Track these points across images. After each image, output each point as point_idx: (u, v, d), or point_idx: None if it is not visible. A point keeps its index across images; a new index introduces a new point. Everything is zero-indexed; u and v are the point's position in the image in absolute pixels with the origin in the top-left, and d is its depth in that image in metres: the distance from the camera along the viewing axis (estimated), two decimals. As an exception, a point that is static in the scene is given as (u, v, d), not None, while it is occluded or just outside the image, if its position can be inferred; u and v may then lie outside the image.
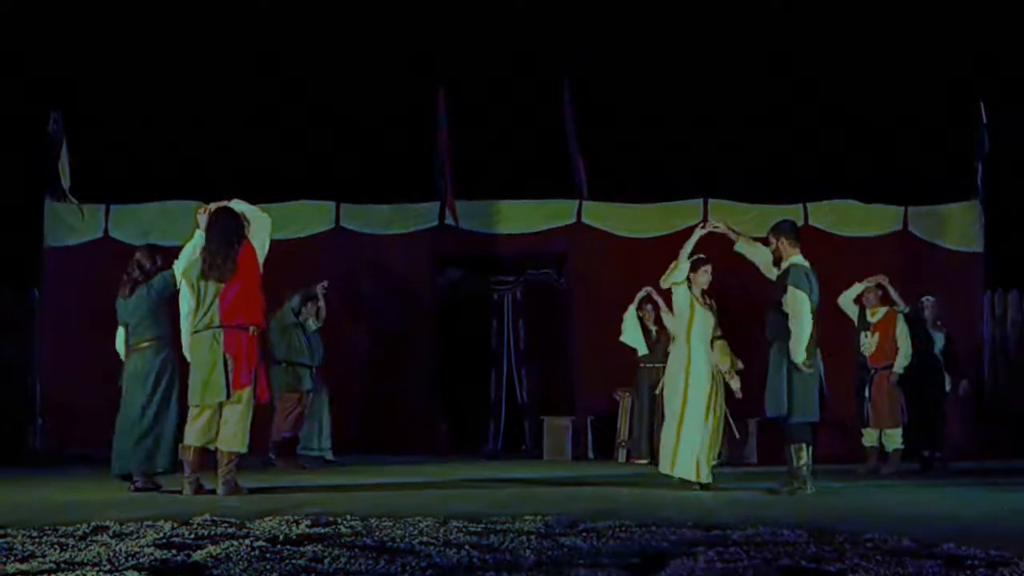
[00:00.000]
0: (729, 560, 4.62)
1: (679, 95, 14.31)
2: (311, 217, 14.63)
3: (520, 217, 14.72)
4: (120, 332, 9.12)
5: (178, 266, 8.75)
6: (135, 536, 5.25)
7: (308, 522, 5.75)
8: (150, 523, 5.69)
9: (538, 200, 14.74)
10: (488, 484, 9.76)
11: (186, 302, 8.60)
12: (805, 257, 9.02)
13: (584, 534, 5.38)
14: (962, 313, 14.18)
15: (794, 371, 8.69)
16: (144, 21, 14.08)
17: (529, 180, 14.65)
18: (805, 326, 8.63)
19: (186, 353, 8.65)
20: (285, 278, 13.17)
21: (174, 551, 4.76)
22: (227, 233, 8.48)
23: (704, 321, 9.54)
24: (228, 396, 8.31)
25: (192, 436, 8.42)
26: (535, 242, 14.69)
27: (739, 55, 14.16)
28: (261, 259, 8.57)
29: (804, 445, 8.81)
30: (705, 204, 14.51)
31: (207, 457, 8.58)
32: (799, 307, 8.65)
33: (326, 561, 4.52)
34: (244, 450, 8.48)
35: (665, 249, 14.30)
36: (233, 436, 8.39)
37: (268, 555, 4.69)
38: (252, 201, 14.26)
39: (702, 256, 9.65)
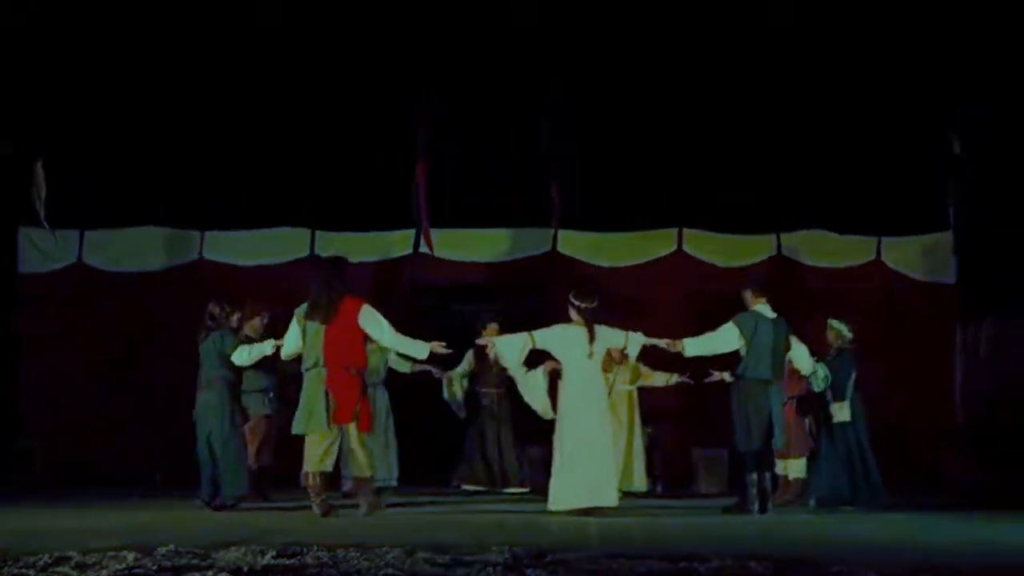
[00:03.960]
0: (695, 593, 4.60)
1: (654, 124, 14.34)
2: (286, 244, 14.61)
3: (496, 246, 14.74)
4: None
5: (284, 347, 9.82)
6: (97, 567, 5.20)
7: (274, 552, 5.69)
8: (113, 553, 5.62)
9: (514, 228, 14.76)
10: (457, 513, 9.74)
11: (293, 337, 9.56)
12: (774, 298, 10.32)
13: (551, 566, 5.34)
14: (935, 344, 14.27)
15: (746, 404, 9.93)
16: (117, 47, 14.01)
17: (505, 209, 14.64)
18: (707, 340, 10.06)
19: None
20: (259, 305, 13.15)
21: (136, 583, 4.73)
22: (328, 281, 9.44)
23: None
24: (327, 428, 9.21)
25: (310, 463, 9.28)
26: (511, 271, 14.70)
27: (713, 85, 14.19)
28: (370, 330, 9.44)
29: (749, 471, 9.93)
30: (680, 233, 14.60)
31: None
32: (722, 329, 10.07)
33: (289, 593, 4.48)
34: (370, 474, 9.54)
35: (640, 278, 14.46)
36: (357, 465, 9.48)
37: (231, 587, 4.66)
38: (226, 227, 14.42)
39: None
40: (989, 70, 13.93)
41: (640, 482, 12.15)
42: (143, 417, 13.63)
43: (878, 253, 14.57)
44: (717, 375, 10.57)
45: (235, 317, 10.80)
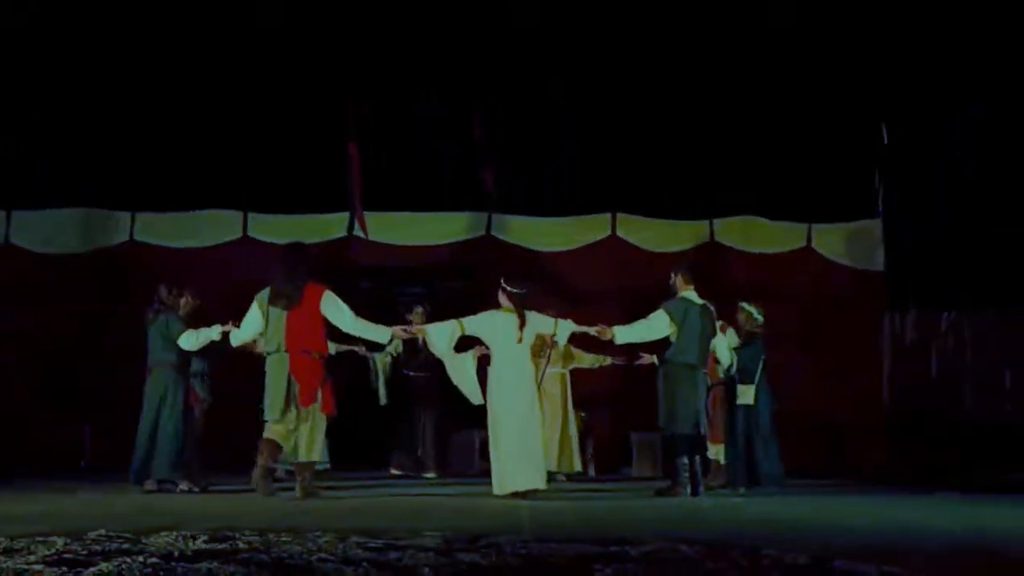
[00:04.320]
0: (626, 577, 4.63)
1: (587, 109, 14.40)
2: (218, 226, 14.50)
3: (430, 229, 14.71)
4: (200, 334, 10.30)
5: (235, 335, 9.97)
6: (25, 552, 5.12)
7: (205, 537, 5.66)
8: (42, 538, 5.56)
9: (448, 212, 14.74)
10: (390, 497, 9.75)
11: (251, 322, 9.63)
12: (703, 285, 10.38)
13: (483, 550, 5.36)
14: (862, 330, 14.47)
15: (675, 389, 9.99)
16: (43, 23, 13.80)
17: (439, 193, 14.63)
18: (640, 328, 10.04)
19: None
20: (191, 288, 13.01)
21: (65, 568, 4.66)
22: (292, 268, 9.55)
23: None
24: (283, 412, 9.34)
25: (270, 433, 9.40)
26: (444, 254, 14.69)
27: (646, 71, 14.26)
28: (332, 315, 9.55)
29: (680, 455, 10.00)
30: (613, 218, 14.68)
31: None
32: (653, 316, 10.04)
33: (220, 579, 4.45)
34: (316, 458, 9.55)
35: (573, 262, 14.52)
36: (306, 449, 9.44)
37: (161, 572, 4.61)
38: (158, 208, 14.25)
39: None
40: (916, 62, 14.12)
41: (578, 464, 12.25)
42: (73, 401, 13.47)
43: (808, 240, 14.74)
44: (647, 358, 10.69)
45: (182, 301, 10.78)
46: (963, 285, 14.33)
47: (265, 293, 9.57)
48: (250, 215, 14.48)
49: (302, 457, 9.46)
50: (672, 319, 10.03)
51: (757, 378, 10.87)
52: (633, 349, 10.90)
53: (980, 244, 14.18)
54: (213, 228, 14.48)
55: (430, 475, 12.89)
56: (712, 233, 14.69)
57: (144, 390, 10.40)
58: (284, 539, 5.68)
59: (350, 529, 6.14)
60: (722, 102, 14.23)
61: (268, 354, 9.53)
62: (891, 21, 13.85)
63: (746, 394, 10.85)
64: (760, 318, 11.04)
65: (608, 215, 14.68)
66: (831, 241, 14.75)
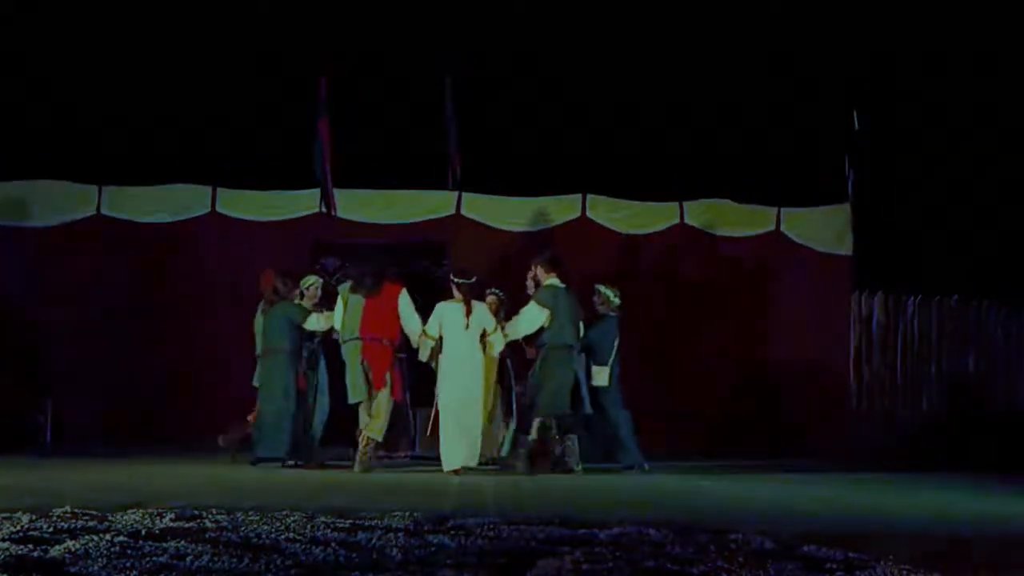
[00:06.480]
0: (595, 561, 4.62)
1: (560, 90, 14.39)
2: (186, 200, 14.36)
3: (399, 207, 14.64)
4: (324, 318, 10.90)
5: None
6: (-10, 529, 5.09)
7: (172, 515, 5.63)
8: (7, 515, 5.51)
9: (417, 191, 14.68)
10: (352, 475, 9.77)
11: (338, 312, 10.55)
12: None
13: (452, 532, 5.36)
14: (830, 314, 14.54)
15: (554, 371, 10.47)
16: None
17: (409, 171, 14.57)
18: (521, 324, 10.64)
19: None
20: (157, 262, 12.96)
21: (30, 546, 4.62)
22: (374, 269, 10.52)
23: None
24: (369, 395, 10.18)
25: (373, 431, 10.18)
26: (414, 233, 14.63)
27: (618, 52, 14.26)
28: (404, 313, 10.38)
29: (572, 432, 10.53)
30: (583, 199, 14.64)
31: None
32: (527, 310, 10.61)
33: (188, 558, 4.41)
34: (379, 438, 10.27)
35: (543, 243, 14.49)
36: (372, 426, 10.18)
37: (129, 551, 4.57)
38: (124, 182, 14.11)
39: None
40: (888, 48, 14.20)
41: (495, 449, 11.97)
42: (37, 377, 13.35)
43: (778, 223, 14.77)
44: (528, 351, 10.96)
45: (296, 292, 11.15)
46: (930, 270, 14.44)
47: (347, 285, 10.55)
48: (219, 190, 14.36)
49: (367, 433, 10.15)
50: (544, 306, 10.51)
51: (611, 360, 10.91)
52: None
53: (947, 230, 14.28)
54: (182, 202, 14.34)
55: (401, 454, 12.84)
56: (682, 215, 14.69)
57: (261, 375, 11.05)
58: (252, 518, 5.66)
59: (318, 508, 6.14)
60: (695, 86, 14.24)
61: (344, 341, 10.39)
62: (864, 6, 13.89)
63: (600, 375, 10.95)
64: (617, 301, 11.12)
65: (579, 196, 14.64)
66: (800, 225, 14.77)
